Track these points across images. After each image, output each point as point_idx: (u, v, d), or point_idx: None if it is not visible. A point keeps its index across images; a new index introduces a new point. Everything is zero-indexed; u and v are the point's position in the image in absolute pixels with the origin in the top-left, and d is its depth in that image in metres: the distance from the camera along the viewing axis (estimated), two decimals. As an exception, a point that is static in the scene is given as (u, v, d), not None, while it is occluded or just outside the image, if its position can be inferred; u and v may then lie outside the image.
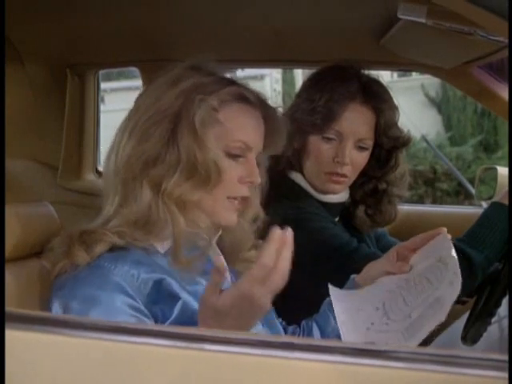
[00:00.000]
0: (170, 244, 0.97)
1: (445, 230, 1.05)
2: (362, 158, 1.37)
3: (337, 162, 1.35)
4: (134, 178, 0.94)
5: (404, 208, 1.53)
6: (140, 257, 0.93)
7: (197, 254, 0.96)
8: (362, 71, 1.40)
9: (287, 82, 7.62)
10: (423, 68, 1.73)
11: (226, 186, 0.97)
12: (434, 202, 5.90)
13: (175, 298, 0.92)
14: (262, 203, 1.06)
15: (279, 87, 7.93)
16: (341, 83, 1.36)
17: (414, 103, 6.38)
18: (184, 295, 0.93)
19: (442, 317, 0.94)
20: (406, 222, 1.58)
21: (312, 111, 1.35)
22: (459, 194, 5.79)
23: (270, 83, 8.13)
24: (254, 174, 0.99)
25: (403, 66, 1.83)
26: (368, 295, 1.06)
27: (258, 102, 1.00)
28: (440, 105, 6.92)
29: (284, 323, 1.18)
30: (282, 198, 1.33)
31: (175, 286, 0.93)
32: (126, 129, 0.98)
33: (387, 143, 1.39)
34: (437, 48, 1.43)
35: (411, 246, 1.08)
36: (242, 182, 0.99)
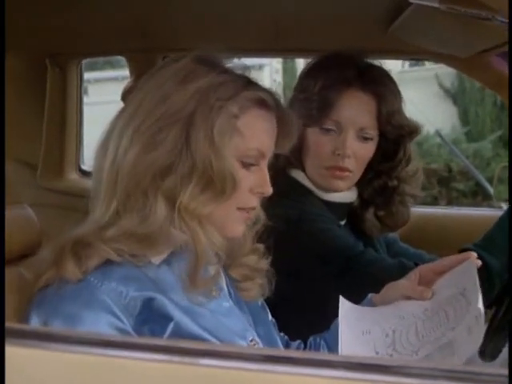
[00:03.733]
0: (166, 256, 0.96)
1: (474, 255, 1.04)
2: (365, 150, 1.37)
3: (337, 155, 1.34)
4: (143, 189, 0.93)
5: (416, 210, 1.53)
6: (130, 271, 0.92)
7: (211, 275, 0.97)
8: (362, 58, 1.39)
9: (288, 72, 7.63)
10: (436, 57, 1.74)
11: (238, 197, 0.97)
12: (449, 203, 5.91)
13: (167, 318, 0.92)
14: (262, 204, 1.06)
15: (279, 78, 7.94)
16: (336, 69, 1.36)
17: (427, 95, 6.39)
18: (177, 315, 0.92)
19: None
20: (419, 225, 1.58)
21: (307, 101, 1.36)
22: (477, 195, 5.79)
23: (270, 74, 8.14)
24: (266, 184, 1.00)
25: (414, 55, 1.84)
26: (380, 317, 1.06)
27: (274, 105, 1.00)
28: (456, 97, 6.93)
29: (287, 338, 1.18)
30: (283, 198, 1.33)
31: (168, 305, 0.92)
32: (127, 129, 0.95)
33: (392, 132, 1.39)
34: (451, 35, 1.43)
35: (437, 269, 1.07)
36: (252, 192, 0.99)
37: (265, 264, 1.08)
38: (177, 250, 0.96)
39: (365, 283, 1.23)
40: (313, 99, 1.35)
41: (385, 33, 1.53)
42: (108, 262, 0.92)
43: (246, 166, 0.98)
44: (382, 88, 1.36)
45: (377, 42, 1.59)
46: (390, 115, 1.37)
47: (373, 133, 1.37)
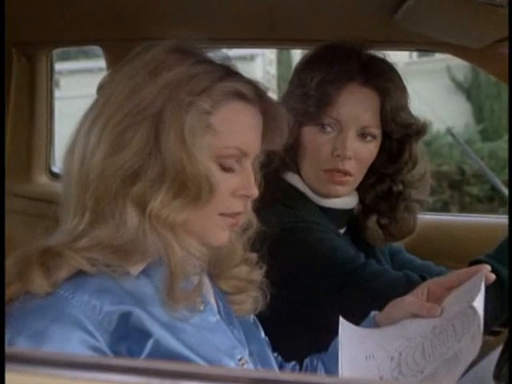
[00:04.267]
0: (144, 266, 0.97)
1: (487, 268, 1.05)
2: (367, 151, 1.38)
3: (337, 156, 1.35)
4: (113, 195, 0.93)
5: (423, 217, 1.54)
6: (104, 283, 0.92)
7: (193, 289, 0.97)
8: (365, 50, 1.40)
9: (283, 63, 7.65)
10: (446, 48, 1.75)
11: (218, 202, 0.97)
12: (462, 209, 5.94)
13: (146, 334, 0.92)
14: (254, 209, 1.06)
15: (273, 70, 7.96)
16: (336, 62, 1.36)
17: (437, 89, 6.43)
18: (157, 331, 0.93)
19: (452, 380, 0.94)
20: (426, 234, 1.59)
21: (304, 97, 1.36)
22: (492, 200, 5.83)
23: (263, 65, 8.17)
24: (249, 185, 1.00)
25: (422, 46, 1.85)
26: (384, 340, 1.06)
27: (255, 97, 1.00)
28: (469, 91, 6.98)
29: (281, 359, 1.19)
30: (277, 204, 1.34)
31: (146, 320, 0.92)
32: (95, 126, 0.95)
33: (397, 131, 1.40)
34: (462, 24, 1.44)
35: (447, 284, 1.08)
36: (235, 195, 0.99)
37: (258, 275, 1.09)
38: (155, 260, 0.96)
39: (367, 299, 1.23)
40: (310, 95, 1.36)
41: (389, 21, 1.54)
42: (80, 274, 0.92)
43: (225, 166, 0.98)
44: (387, 83, 1.37)
45: (380, 31, 1.60)
46: (395, 112, 1.38)
47: (376, 132, 1.38)
